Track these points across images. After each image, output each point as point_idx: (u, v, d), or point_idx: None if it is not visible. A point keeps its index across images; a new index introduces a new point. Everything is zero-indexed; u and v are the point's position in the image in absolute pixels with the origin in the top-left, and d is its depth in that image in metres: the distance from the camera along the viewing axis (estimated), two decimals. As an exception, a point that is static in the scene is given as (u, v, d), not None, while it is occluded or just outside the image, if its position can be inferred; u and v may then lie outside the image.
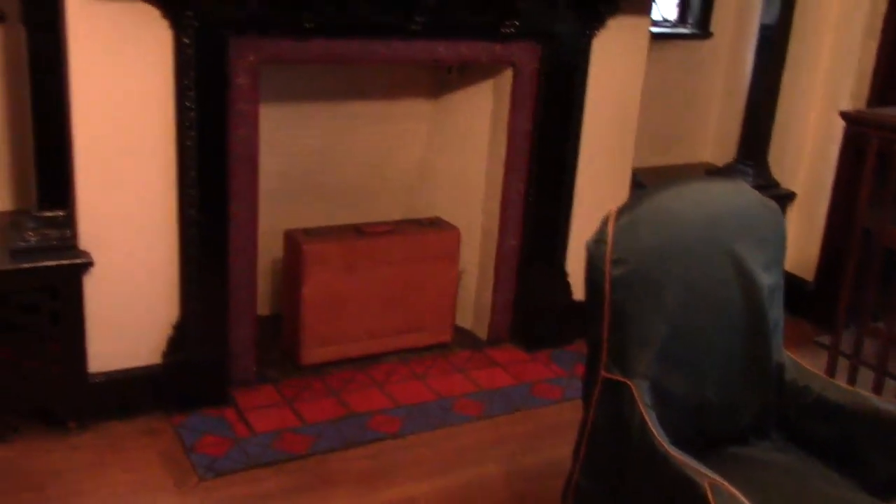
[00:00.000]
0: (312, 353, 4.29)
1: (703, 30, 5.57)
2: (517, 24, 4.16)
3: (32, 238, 3.45)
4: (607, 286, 2.54)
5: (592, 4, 4.33)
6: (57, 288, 3.46)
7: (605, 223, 2.58)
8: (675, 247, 2.60)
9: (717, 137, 5.80)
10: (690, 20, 5.62)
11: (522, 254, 4.64)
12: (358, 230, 4.39)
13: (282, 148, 4.44)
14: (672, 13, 5.67)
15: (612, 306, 2.55)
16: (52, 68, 3.38)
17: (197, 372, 3.83)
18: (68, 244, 3.49)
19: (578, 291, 4.59)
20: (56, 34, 3.36)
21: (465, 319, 4.84)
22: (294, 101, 4.47)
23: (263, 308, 4.45)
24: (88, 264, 3.51)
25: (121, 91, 3.47)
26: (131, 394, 3.75)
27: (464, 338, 4.76)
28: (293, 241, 4.25)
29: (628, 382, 2.52)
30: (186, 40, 3.48)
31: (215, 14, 3.49)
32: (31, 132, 3.43)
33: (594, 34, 4.41)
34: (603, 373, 2.59)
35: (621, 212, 2.59)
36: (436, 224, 4.63)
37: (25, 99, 3.44)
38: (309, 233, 4.29)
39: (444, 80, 4.74)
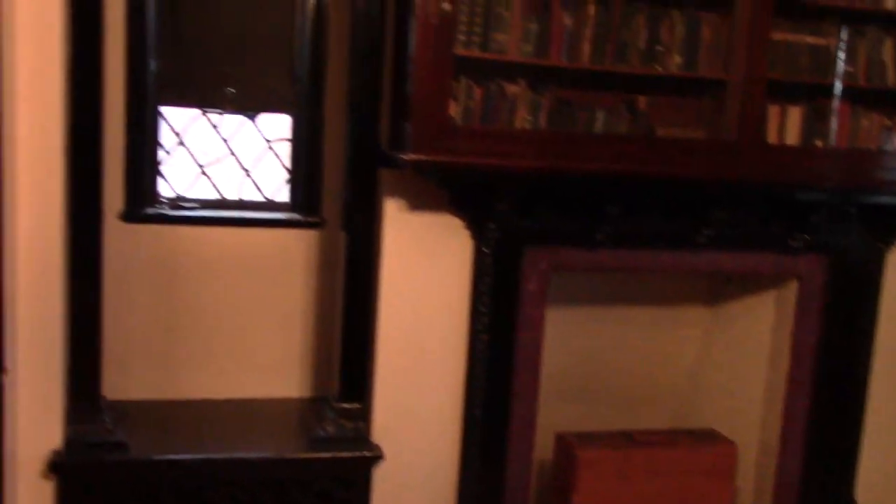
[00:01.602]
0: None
1: None
2: (806, 237, 4.08)
3: (331, 428, 3.65)
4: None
5: (886, 219, 4.18)
6: (350, 479, 3.61)
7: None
8: None
9: None
10: None
11: (804, 476, 4.33)
12: (630, 437, 4.30)
13: (553, 349, 4.50)
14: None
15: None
16: (365, 270, 3.68)
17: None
18: (363, 436, 3.66)
19: (871, 524, 4.19)
20: (371, 240, 3.68)
21: (739, 541, 4.52)
22: (568, 304, 4.55)
23: (529, 510, 4.39)
24: (379, 458, 3.65)
25: (423, 294, 3.70)
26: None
27: (737, 562, 4.43)
28: (565, 446, 4.21)
29: None
30: (486, 249, 3.68)
31: (514, 226, 3.69)
32: (339, 327, 3.70)
33: (888, 248, 4.24)
34: None
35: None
36: (711, 437, 4.45)
37: (336, 296, 3.74)
38: (582, 437, 4.24)
39: (720, 288, 4.68)
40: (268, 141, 4.20)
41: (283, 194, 4.23)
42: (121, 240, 3.82)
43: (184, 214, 4.01)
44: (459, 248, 3.72)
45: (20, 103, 3.08)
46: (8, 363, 3.02)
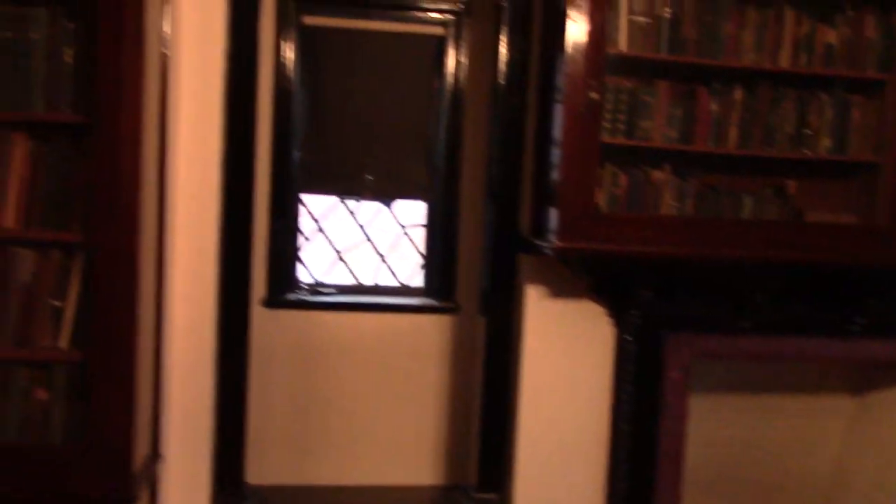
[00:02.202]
0: None
1: None
2: (966, 325, 3.86)
3: (468, 519, 3.58)
4: None
5: None
6: (489, 572, 3.52)
7: None
8: None
9: None
10: None
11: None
12: (776, 535, 4.08)
13: (695, 438, 4.34)
14: None
15: None
16: (505, 356, 3.64)
17: None
18: (502, 528, 3.58)
19: None
20: (510, 326, 3.65)
21: None
22: (708, 392, 4.41)
23: None
24: (519, 551, 3.55)
25: (564, 381, 3.63)
26: None
27: None
28: (708, 542, 4.02)
29: None
30: (628, 336, 3.60)
31: (657, 312, 3.60)
32: (477, 414, 3.65)
33: None
34: None
35: None
36: (862, 535, 4.18)
37: (472, 382, 3.71)
38: (725, 534, 4.05)
39: (869, 377, 4.45)
40: (403, 227, 4.26)
41: (417, 279, 4.26)
42: (262, 325, 3.89)
43: (322, 300, 4.08)
44: (601, 335, 3.65)
45: (179, 195, 3.19)
46: (163, 450, 3.07)
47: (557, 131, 3.29)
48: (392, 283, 4.27)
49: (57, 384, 2.48)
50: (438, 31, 4.15)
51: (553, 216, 3.32)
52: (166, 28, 2.72)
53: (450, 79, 4.14)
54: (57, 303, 2.46)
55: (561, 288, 3.60)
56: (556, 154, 3.35)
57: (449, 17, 4.12)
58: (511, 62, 3.67)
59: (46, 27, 2.40)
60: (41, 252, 2.45)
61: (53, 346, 2.47)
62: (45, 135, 2.43)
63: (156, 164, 2.68)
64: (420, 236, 4.25)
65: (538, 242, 3.41)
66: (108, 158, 2.36)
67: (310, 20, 4.05)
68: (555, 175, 3.33)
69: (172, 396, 3.28)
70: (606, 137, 3.28)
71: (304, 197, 4.15)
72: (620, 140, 3.32)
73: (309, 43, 4.07)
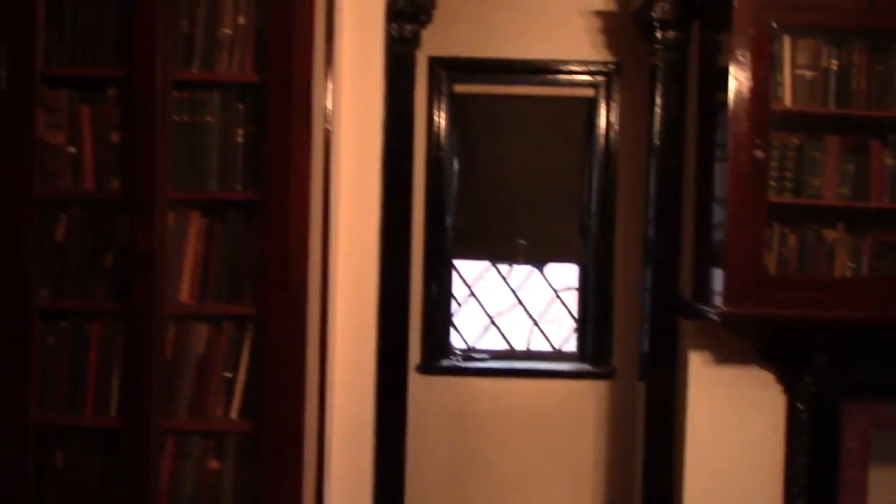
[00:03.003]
0: None
1: None
2: None
3: None
4: None
5: None
6: None
7: None
8: None
9: None
10: None
11: None
12: None
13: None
14: None
15: None
16: (667, 424, 3.50)
17: None
18: None
19: None
20: (672, 393, 3.51)
21: None
22: (890, 464, 4.10)
23: None
24: None
25: (731, 452, 3.46)
26: None
27: None
28: None
29: None
30: (800, 405, 3.40)
31: (832, 379, 3.39)
32: (638, 484, 3.52)
33: None
34: None
35: None
36: None
37: (631, 450, 3.58)
38: None
39: None
40: (556, 290, 4.20)
41: (571, 344, 4.18)
42: (416, 391, 3.89)
43: (475, 366, 4.05)
44: (771, 403, 3.46)
45: (341, 263, 3.25)
46: (325, 516, 3.09)
47: (721, 190, 3.19)
48: (545, 347, 4.20)
49: (227, 454, 2.53)
50: (588, 92, 4.12)
51: (718, 279, 3.20)
52: (329, 104, 2.80)
53: (601, 139, 4.09)
54: (228, 374, 2.52)
55: (726, 353, 3.46)
56: (718, 213, 3.24)
57: (599, 78, 4.09)
58: (666, 120, 3.60)
59: (220, 110, 2.50)
60: (214, 325, 2.53)
61: (225, 416, 2.53)
62: (219, 211, 2.53)
63: (320, 237, 2.74)
64: (573, 300, 4.17)
65: (702, 307, 3.29)
66: (277, 234, 2.43)
67: (460, 88, 4.11)
68: (718, 235, 3.22)
69: (333, 462, 3.31)
70: (773, 196, 3.15)
71: (457, 262, 4.16)
72: (788, 198, 3.18)
73: (460, 110, 4.12)
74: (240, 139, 2.51)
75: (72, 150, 2.51)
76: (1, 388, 2.44)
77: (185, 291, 2.53)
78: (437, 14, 3.64)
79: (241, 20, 2.51)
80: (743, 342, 3.40)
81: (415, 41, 3.53)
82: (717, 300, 3.16)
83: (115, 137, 2.49)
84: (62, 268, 2.51)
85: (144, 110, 2.43)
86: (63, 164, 2.51)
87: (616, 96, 4.10)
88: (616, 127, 4.09)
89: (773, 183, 3.15)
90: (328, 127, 2.80)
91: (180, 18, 2.50)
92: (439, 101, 4.08)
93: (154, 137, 2.44)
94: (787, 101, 3.17)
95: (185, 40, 2.51)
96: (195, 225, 2.54)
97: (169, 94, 2.47)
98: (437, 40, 3.96)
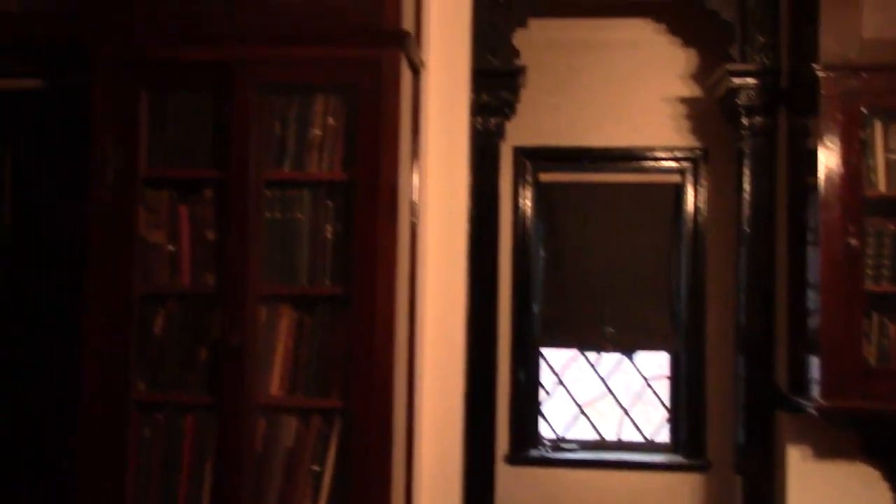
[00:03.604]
0: None
1: None
2: None
3: None
4: None
5: None
6: None
7: None
8: None
9: None
10: None
11: None
12: None
13: None
14: None
15: None
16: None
17: None
18: None
19: None
20: (770, 487, 3.37)
21: None
22: None
23: None
24: None
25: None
26: None
27: None
28: None
29: None
30: (908, 502, 3.22)
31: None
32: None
33: None
34: None
35: None
36: None
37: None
38: None
39: None
40: (646, 379, 4.12)
41: (663, 433, 4.07)
42: (504, 482, 3.83)
43: (564, 457, 3.98)
44: (876, 501, 3.28)
45: (427, 353, 3.27)
46: None
47: (814, 276, 3.10)
48: (637, 437, 4.10)
49: (315, 547, 2.54)
50: (675, 178, 4.10)
51: (814, 368, 3.09)
52: (415, 198, 2.85)
53: (689, 224, 4.05)
54: (316, 468, 2.54)
55: (827, 448, 3.32)
56: (813, 299, 3.14)
57: (685, 163, 4.08)
58: (754, 204, 3.54)
59: (310, 207, 2.59)
60: (303, 418, 2.56)
61: (312, 509, 2.54)
62: (309, 306, 2.59)
63: (406, 329, 2.76)
64: (664, 388, 4.08)
65: (798, 400, 3.17)
66: (363, 328, 2.47)
67: (545, 177, 4.15)
68: (814, 323, 3.12)
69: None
70: (871, 285, 3.04)
71: (545, 350, 4.13)
72: (887, 287, 3.07)
73: (545, 197, 4.15)
74: (329, 235, 2.58)
75: (170, 247, 2.62)
76: (98, 482, 2.51)
77: (275, 384, 2.58)
78: (521, 107, 3.70)
79: (331, 121, 2.61)
80: (845, 436, 3.25)
81: (499, 133, 3.60)
82: (815, 392, 3.04)
83: (210, 235, 2.60)
84: (159, 361, 2.60)
85: (238, 209, 2.53)
86: (162, 261, 2.62)
87: (703, 181, 4.07)
88: (704, 212, 4.05)
89: (869, 271, 3.05)
90: (414, 220, 2.85)
91: (273, 121, 2.61)
92: (524, 189, 4.12)
93: (247, 235, 2.53)
94: (881, 186, 3.08)
95: (278, 141, 2.62)
96: (285, 319, 2.60)
97: (262, 193, 2.57)
98: (522, 130, 4.02)
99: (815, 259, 3.10)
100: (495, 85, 3.48)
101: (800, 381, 3.24)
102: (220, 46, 2.56)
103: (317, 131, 2.61)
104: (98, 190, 2.56)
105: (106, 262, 2.55)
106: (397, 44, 2.56)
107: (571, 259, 4.11)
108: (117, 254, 2.55)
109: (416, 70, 2.89)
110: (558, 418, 4.14)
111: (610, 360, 4.15)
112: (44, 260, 2.95)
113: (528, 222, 4.11)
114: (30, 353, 2.90)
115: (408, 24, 2.69)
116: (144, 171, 2.60)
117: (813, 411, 3.04)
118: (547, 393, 4.13)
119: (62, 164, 2.89)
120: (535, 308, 4.04)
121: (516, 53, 3.51)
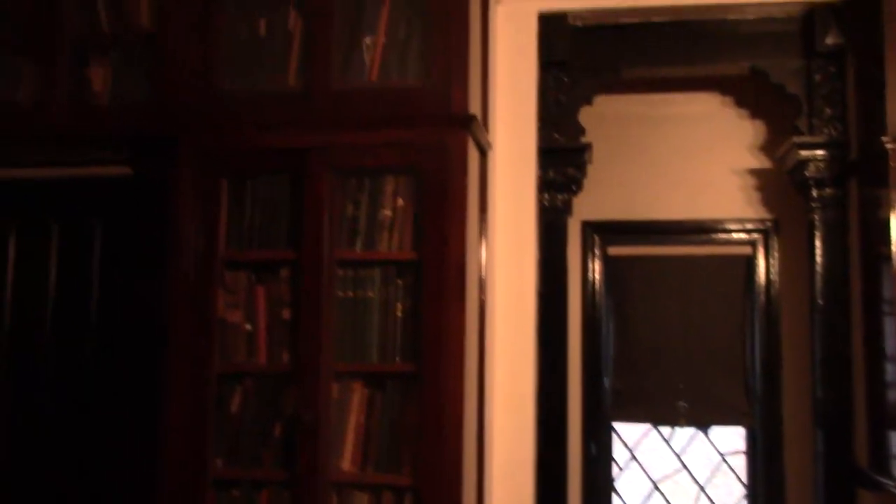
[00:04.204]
0: None
1: None
2: None
3: None
4: None
5: None
6: None
7: None
8: None
9: None
10: None
11: None
12: None
13: None
14: None
15: None
16: None
17: None
18: None
19: None
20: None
21: None
22: None
23: None
24: None
25: None
26: None
27: None
28: None
29: None
30: None
31: None
32: None
33: None
34: None
35: None
36: None
37: None
38: None
39: None
40: (721, 454, 4.04)
41: (741, 511, 3.98)
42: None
43: (640, 534, 3.91)
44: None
45: (497, 428, 3.27)
46: None
47: (891, 348, 3.04)
48: (714, 514, 4.02)
49: None
50: (746, 250, 4.08)
51: (895, 446, 3.00)
52: (483, 275, 2.91)
53: (762, 296, 4.01)
54: (386, 544, 2.57)
55: (915, 528, 3.18)
56: (891, 372, 3.07)
57: (755, 235, 4.06)
58: (827, 276, 3.49)
59: (381, 286, 2.67)
60: (374, 494, 2.60)
61: (381, 588, 2.56)
62: (380, 383, 2.65)
63: (476, 404, 2.79)
64: (741, 464, 3.99)
65: (880, 479, 3.07)
66: (433, 406, 2.51)
67: (614, 251, 4.16)
68: (893, 397, 3.04)
69: None
70: (950, 355, 2.96)
71: (617, 424, 4.10)
72: (969, 359, 2.99)
73: (614, 270, 4.16)
74: (399, 313, 2.64)
75: (248, 326, 2.72)
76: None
77: (347, 460, 2.63)
78: (588, 181, 3.75)
79: (400, 202, 2.70)
80: (933, 515, 3.13)
81: (566, 209, 3.64)
82: (894, 471, 2.95)
83: (286, 314, 2.69)
84: (235, 438, 2.68)
85: (312, 288, 2.63)
86: (239, 340, 2.72)
87: (775, 252, 4.03)
88: (777, 283, 4.01)
89: (947, 341, 2.97)
90: (483, 297, 2.90)
91: (346, 202, 2.72)
92: (593, 262, 4.14)
93: (320, 313, 2.61)
94: (958, 256, 3.03)
95: (350, 222, 2.71)
96: (357, 395, 2.66)
97: (334, 273, 2.66)
98: (589, 205, 4.06)
99: (892, 330, 3.04)
100: (562, 162, 3.54)
101: (881, 458, 3.15)
102: (296, 134, 2.69)
103: (387, 212, 2.70)
104: (180, 272, 2.68)
105: (187, 341, 2.66)
106: (464, 127, 2.65)
107: (642, 332, 4.09)
108: (197, 334, 2.66)
109: (484, 150, 2.97)
110: (632, 494, 4.08)
111: (684, 435, 4.09)
112: (127, 335, 3.08)
113: (598, 296, 4.12)
114: (110, 428, 3.00)
115: (474, 107, 2.78)
116: (224, 253, 2.72)
117: (894, 490, 2.94)
118: (620, 468, 4.08)
119: (146, 245, 3.05)
120: (606, 381, 4.02)
121: (582, 130, 3.57)
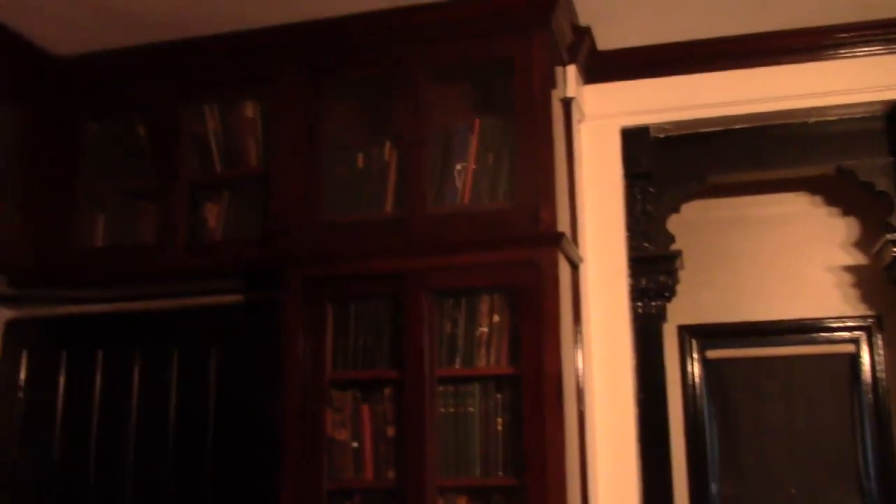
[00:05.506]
0: None
1: None
2: None
3: None
4: None
5: None
6: None
7: None
8: None
9: None
10: None
11: None
12: None
13: None
14: None
15: None
16: None
17: None
18: None
19: None
20: None
21: None
22: None
23: None
24: None
25: None
26: None
27: None
28: None
29: None
30: None
31: None
32: None
33: None
34: None
35: None
36: None
37: None
38: None
39: None
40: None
41: None
42: None
43: None
44: None
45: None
46: None
47: None
48: None
49: None
50: (849, 348, 4.01)
51: None
52: (581, 384, 2.96)
53: (869, 395, 3.92)
54: None
55: None
56: None
57: (857, 333, 3.99)
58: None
59: (480, 401, 2.75)
60: None
61: None
62: (483, 496, 2.70)
63: (579, 517, 2.81)
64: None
65: None
66: (538, 519, 2.54)
67: (713, 354, 4.15)
68: None
69: None
70: None
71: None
72: None
73: (714, 374, 4.14)
74: (499, 427, 2.72)
75: (354, 444, 2.83)
76: None
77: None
78: (680, 287, 3.79)
79: (496, 319, 2.81)
80: None
81: (661, 315, 3.67)
82: None
83: (390, 431, 2.80)
84: (346, 555, 2.76)
85: (415, 406, 2.73)
86: (347, 458, 2.83)
87: (879, 349, 3.96)
88: (884, 380, 3.92)
89: None
90: (581, 407, 2.95)
91: (444, 322, 2.83)
92: (692, 367, 4.13)
93: (423, 430, 2.70)
94: None
95: (449, 340, 2.83)
96: (462, 510, 2.72)
97: (435, 390, 2.76)
98: (684, 310, 4.08)
99: None
100: (653, 270, 3.59)
101: None
102: (394, 259, 2.84)
103: (483, 329, 2.81)
104: (291, 393, 2.83)
105: (298, 459, 2.78)
106: (554, 245, 2.76)
107: (747, 435, 4.02)
108: (308, 452, 2.78)
109: (575, 265, 3.07)
110: None
111: (799, 542, 3.96)
112: (242, 452, 3.22)
113: (699, 400, 4.09)
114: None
115: (563, 224, 2.89)
116: (331, 374, 2.86)
117: None
118: (734, 575, 3.96)
119: (257, 363, 3.22)
120: (713, 487, 3.95)
121: (672, 238, 3.63)
